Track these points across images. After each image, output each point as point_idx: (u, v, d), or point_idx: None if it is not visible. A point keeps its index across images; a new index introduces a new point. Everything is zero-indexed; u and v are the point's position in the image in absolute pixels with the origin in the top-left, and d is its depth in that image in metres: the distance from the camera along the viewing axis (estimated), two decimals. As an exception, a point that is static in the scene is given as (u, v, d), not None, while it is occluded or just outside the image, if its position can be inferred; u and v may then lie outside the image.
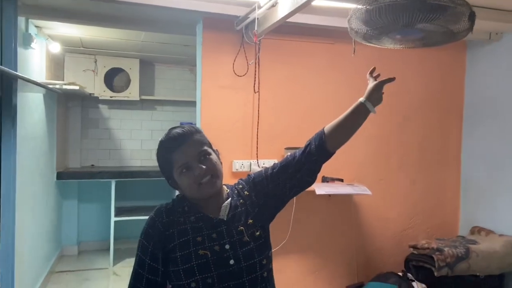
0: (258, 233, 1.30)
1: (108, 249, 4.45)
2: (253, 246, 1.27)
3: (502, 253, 2.44)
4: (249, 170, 2.66)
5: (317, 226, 2.81)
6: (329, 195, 2.73)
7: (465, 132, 3.04)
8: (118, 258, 4.53)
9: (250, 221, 1.31)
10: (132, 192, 4.89)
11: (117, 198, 4.40)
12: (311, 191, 2.60)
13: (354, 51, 1.73)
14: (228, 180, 2.67)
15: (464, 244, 2.49)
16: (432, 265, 2.40)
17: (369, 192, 2.54)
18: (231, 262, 1.23)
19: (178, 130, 1.30)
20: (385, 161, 2.94)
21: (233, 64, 2.62)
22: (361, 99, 1.35)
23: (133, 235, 4.92)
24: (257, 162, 2.67)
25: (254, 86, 2.65)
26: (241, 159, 2.68)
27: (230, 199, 1.34)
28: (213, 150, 1.33)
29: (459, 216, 3.07)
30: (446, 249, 2.41)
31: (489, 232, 2.67)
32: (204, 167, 1.25)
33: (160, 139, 1.32)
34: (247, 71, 2.64)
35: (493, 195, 2.75)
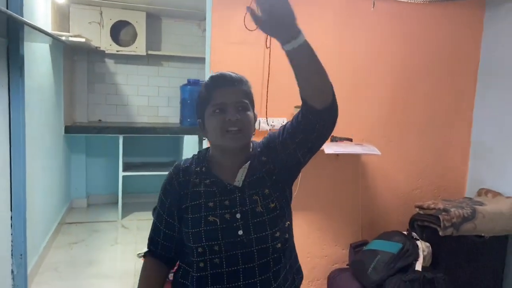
0: (273, 204, 1.21)
1: (117, 203, 4.54)
2: (266, 218, 1.19)
3: (508, 214, 2.45)
4: (257, 127, 2.64)
5: (324, 184, 2.82)
6: (337, 154, 2.72)
7: (478, 93, 2.98)
8: (126, 211, 4.62)
9: (266, 190, 1.23)
10: (139, 148, 4.92)
11: (124, 154, 4.43)
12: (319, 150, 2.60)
13: (373, 4, 1.66)
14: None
15: (470, 205, 2.50)
16: (437, 225, 2.42)
17: (378, 152, 2.52)
18: (240, 232, 1.17)
19: (231, 73, 1.24)
20: (395, 122, 2.91)
21: (244, 17, 2.54)
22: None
23: (141, 190, 5.00)
24: (266, 120, 2.65)
25: (266, 41, 2.59)
26: (250, 116, 2.66)
27: (248, 162, 1.25)
28: (254, 112, 1.25)
29: (467, 178, 3.07)
30: (452, 209, 2.43)
31: (496, 194, 2.67)
32: (238, 116, 1.18)
33: (210, 75, 1.34)
34: (258, 25, 2.56)
35: (502, 158, 2.73)
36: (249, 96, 1.24)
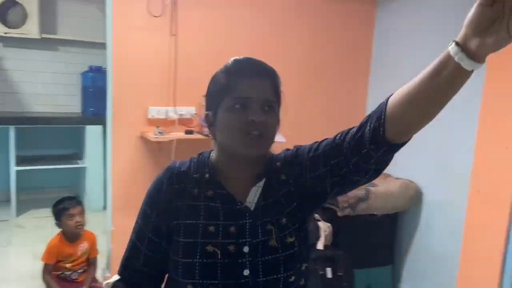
0: (291, 239, 0.96)
1: (9, 200, 4.14)
2: (281, 256, 0.94)
3: (397, 194, 2.73)
4: (165, 117, 2.59)
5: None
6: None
7: (371, 85, 3.24)
8: (21, 209, 4.24)
9: (284, 220, 0.97)
10: (35, 140, 4.52)
11: (19, 146, 4.05)
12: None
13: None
14: (141, 128, 2.59)
15: (365, 187, 2.74)
16: (336, 206, 2.61)
17: (283, 140, 2.63)
18: (245, 272, 0.92)
19: (260, 61, 0.99)
20: (300, 114, 3.05)
21: (147, 2, 2.45)
22: (451, 45, 0.72)
23: (38, 185, 4.61)
24: (175, 109, 2.61)
25: (171, 28, 2.53)
26: (157, 105, 2.60)
27: (264, 179, 0.99)
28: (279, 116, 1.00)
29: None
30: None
31: (387, 176, 2.95)
32: (263, 117, 0.92)
33: (232, 59, 1.00)
34: (163, 11, 2.50)
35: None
36: (279, 94, 0.99)
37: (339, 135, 0.94)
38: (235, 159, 0.98)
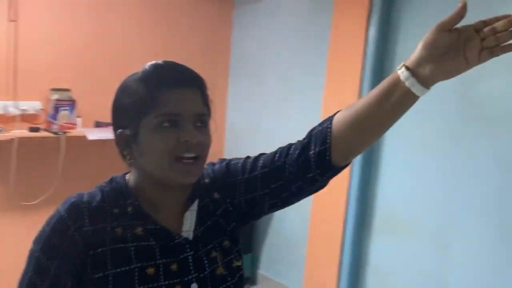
0: (238, 262, 0.88)
1: None
2: (231, 284, 0.85)
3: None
4: (4, 112, 2.27)
5: (90, 174, 2.67)
6: (103, 140, 2.62)
7: (231, 83, 3.34)
8: None
9: (226, 243, 0.88)
10: None
11: None
12: (81, 136, 2.44)
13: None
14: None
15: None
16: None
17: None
18: None
19: (185, 68, 0.83)
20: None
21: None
22: (401, 69, 0.73)
23: None
24: (16, 104, 2.31)
25: (9, 14, 2.23)
26: (-7, 100, 2.26)
27: (197, 201, 0.87)
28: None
29: (224, 156, 3.44)
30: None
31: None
32: (199, 137, 0.79)
33: (150, 64, 0.82)
34: (-1, -8, 2.18)
35: (252, 138, 3.17)
36: (209, 104, 0.86)
37: (277, 155, 0.87)
38: (164, 186, 0.81)
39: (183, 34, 3.04)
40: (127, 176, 0.86)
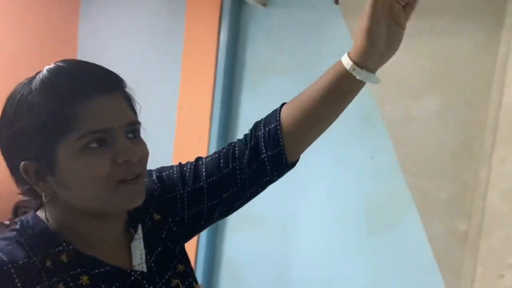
0: (197, 285, 0.80)
1: None
2: None
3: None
4: None
5: None
6: None
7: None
8: None
9: (181, 266, 0.77)
10: None
11: None
12: None
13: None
14: None
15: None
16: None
17: None
18: None
19: (98, 67, 0.65)
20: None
21: None
22: (346, 60, 0.72)
23: None
24: None
25: None
26: None
27: (140, 227, 0.74)
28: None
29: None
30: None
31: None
32: (136, 151, 0.65)
33: (50, 68, 0.63)
34: None
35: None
36: (135, 107, 0.71)
37: (221, 160, 0.79)
38: (99, 217, 0.68)
39: (24, 22, 2.70)
40: (42, 216, 0.67)
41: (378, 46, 0.70)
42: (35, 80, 0.62)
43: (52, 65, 0.64)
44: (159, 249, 0.75)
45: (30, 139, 0.62)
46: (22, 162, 0.63)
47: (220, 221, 2.46)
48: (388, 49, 0.71)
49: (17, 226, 0.65)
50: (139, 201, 0.67)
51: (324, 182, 2.10)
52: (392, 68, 1.44)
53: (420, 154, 1.37)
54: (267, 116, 0.81)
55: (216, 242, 2.43)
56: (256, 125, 0.81)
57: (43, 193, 0.65)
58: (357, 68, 0.71)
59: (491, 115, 1.28)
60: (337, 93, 0.74)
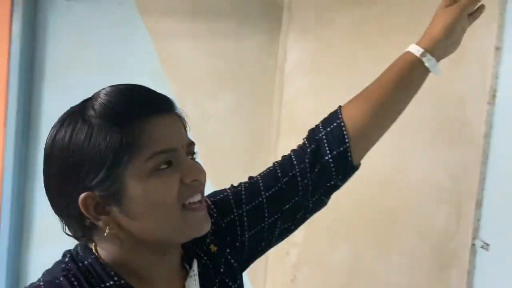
0: None
1: None
2: None
3: None
4: None
5: None
6: None
7: None
8: None
9: None
10: None
11: None
12: None
13: None
14: None
15: None
16: None
17: None
18: None
19: (148, 88, 0.60)
20: None
21: None
22: (415, 48, 0.76)
23: None
24: None
25: None
26: None
27: (195, 262, 0.67)
28: None
29: None
30: None
31: None
32: (203, 170, 0.61)
33: (106, 92, 0.58)
34: None
35: None
36: (186, 128, 0.65)
37: (278, 171, 0.74)
38: (157, 250, 0.63)
39: None
40: (92, 247, 0.62)
41: (450, 40, 0.76)
42: (90, 105, 0.58)
43: (107, 89, 0.60)
44: (216, 287, 0.70)
45: (92, 168, 0.56)
46: (82, 194, 0.57)
47: (21, 235, 2.26)
48: (454, 46, 0.79)
49: (66, 259, 0.62)
50: (207, 227, 0.63)
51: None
52: (189, 66, 1.52)
53: (218, 150, 1.44)
54: (324, 120, 0.78)
55: (19, 257, 2.17)
56: (313, 131, 0.78)
57: (107, 227, 0.58)
58: (428, 55, 0.75)
59: (275, 110, 1.43)
60: (406, 82, 0.76)
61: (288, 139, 1.42)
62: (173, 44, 1.39)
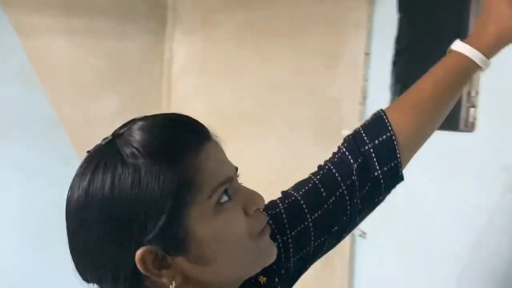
0: None
1: None
2: None
3: None
4: None
5: None
6: None
7: None
8: None
9: None
10: None
11: None
12: None
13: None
14: None
15: None
16: None
17: None
18: None
19: (183, 115, 0.53)
20: None
21: None
22: (478, 57, 0.67)
23: None
24: None
25: None
26: None
27: None
28: None
29: None
30: None
31: None
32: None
33: (139, 128, 0.49)
34: None
35: None
36: None
37: (321, 189, 0.66)
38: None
39: None
40: None
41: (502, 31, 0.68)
42: (126, 143, 0.49)
43: (139, 123, 0.50)
44: None
45: (148, 218, 0.47)
46: (139, 251, 0.48)
47: None
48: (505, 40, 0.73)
49: None
50: (275, 249, 0.57)
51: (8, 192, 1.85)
52: (64, 66, 1.40)
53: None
54: (368, 127, 0.69)
55: None
56: (355, 140, 0.69)
57: (172, 282, 0.50)
58: (487, 61, 0.68)
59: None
60: (459, 86, 0.70)
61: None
62: (43, 41, 1.26)
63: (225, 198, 0.50)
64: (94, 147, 0.52)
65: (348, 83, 1.14)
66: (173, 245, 0.49)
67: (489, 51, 0.68)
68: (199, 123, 0.54)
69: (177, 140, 0.50)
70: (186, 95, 1.41)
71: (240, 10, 1.37)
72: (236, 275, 0.55)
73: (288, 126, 1.27)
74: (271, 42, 1.37)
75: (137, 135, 0.49)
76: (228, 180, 0.51)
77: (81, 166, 0.51)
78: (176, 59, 1.39)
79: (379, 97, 1.16)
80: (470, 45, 0.67)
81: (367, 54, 1.17)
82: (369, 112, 1.18)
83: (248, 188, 0.55)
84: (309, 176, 0.69)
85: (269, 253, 0.56)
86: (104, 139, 0.51)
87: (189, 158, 0.49)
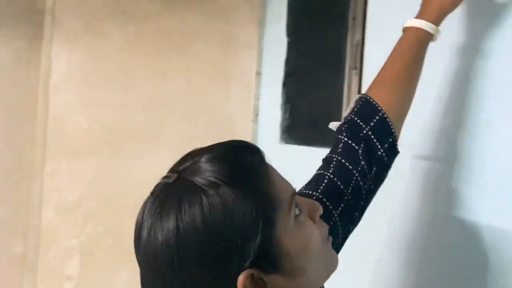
0: None
1: None
2: None
3: None
4: None
5: None
6: None
7: None
8: None
9: None
10: None
11: None
12: None
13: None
14: None
15: None
16: None
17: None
18: None
19: (244, 141, 0.56)
20: None
21: None
22: (428, 25, 0.74)
23: None
24: None
25: None
26: None
27: None
28: None
29: None
30: None
31: None
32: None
33: (206, 157, 0.50)
34: None
35: None
36: None
37: (338, 183, 0.67)
38: None
39: None
40: None
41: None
42: (197, 176, 0.48)
43: (207, 156, 0.50)
44: None
45: (245, 243, 0.47)
46: (241, 277, 0.47)
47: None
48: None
49: None
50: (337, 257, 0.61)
51: None
52: None
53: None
54: (358, 113, 0.71)
55: None
56: (351, 127, 0.70)
57: None
58: (438, 29, 0.75)
59: (39, 128, 1.24)
60: (423, 57, 0.75)
61: (57, 161, 1.25)
62: None
63: (297, 211, 0.53)
64: (156, 188, 0.51)
65: (240, 101, 1.17)
66: (269, 264, 0.50)
67: (436, 20, 0.75)
68: (255, 145, 0.57)
69: (248, 163, 0.52)
70: (66, 107, 1.28)
71: (128, 20, 1.31)
72: (321, 282, 0.59)
73: (180, 142, 1.24)
74: (162, 56, 1.33)
75: (208, 166, 0.50)
76: (293, 194, 0.53)
77: (150, 210, 0.49)
78: (55, 69, 1.27)
79: (271, 115, 1.21)
80: (419, 19, 0.75)
81: (258, 73, 1.21)
82: (262, 129, 1.23)
83: (304, 198, 0.58)
84: (318, 173, 0.70)
85: (335, 257, 0.59)
86: (165, 177, 0.51)
87: (263, 179, 0.51)
